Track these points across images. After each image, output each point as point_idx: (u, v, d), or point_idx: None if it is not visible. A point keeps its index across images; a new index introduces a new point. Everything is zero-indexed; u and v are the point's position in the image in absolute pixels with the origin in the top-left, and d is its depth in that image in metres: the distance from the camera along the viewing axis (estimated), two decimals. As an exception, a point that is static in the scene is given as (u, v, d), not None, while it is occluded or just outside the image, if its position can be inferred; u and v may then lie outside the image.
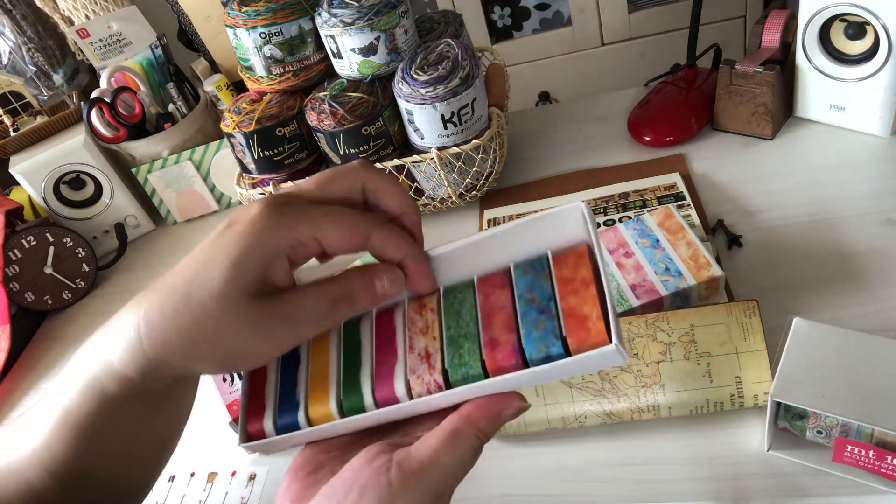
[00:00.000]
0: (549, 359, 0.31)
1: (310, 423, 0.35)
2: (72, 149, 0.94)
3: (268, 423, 0.35)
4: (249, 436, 0.36)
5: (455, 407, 0.33)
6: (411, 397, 0.34)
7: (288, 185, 0.26)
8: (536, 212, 0.77)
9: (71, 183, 0.97)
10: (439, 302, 0.36)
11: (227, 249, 0.31)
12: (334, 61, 0.77)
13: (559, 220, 0.34)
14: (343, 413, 0.34)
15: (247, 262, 0.30)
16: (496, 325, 0.33)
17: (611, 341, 0.30)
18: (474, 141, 0.74)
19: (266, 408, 0.36)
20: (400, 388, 0.34)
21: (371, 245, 0.33)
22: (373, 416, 0.34)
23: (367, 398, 0.34)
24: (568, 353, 0.31)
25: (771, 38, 0.75)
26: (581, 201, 0.34)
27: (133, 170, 0.98)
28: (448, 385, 0.33)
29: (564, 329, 0.31)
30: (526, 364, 0.32)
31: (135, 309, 0.32)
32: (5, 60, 1.02)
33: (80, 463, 0.35)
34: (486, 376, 0.32)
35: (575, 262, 0.33)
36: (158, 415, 0.37)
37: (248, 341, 0.31)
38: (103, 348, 0.33)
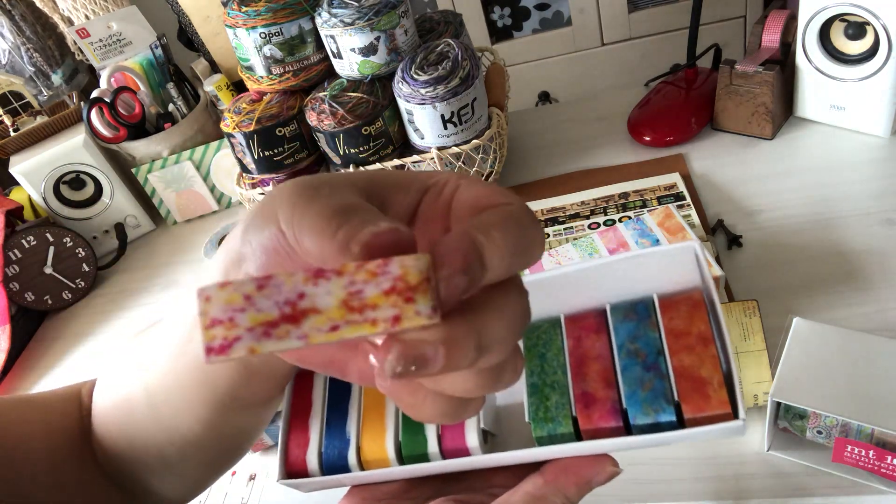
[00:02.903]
0: (656, 427, 0.27)
1: (361, 464, 0.31)
2: (72, 149, 0.94)
3: (312, 459, 0.31)
4: (290, 471, 0.31)
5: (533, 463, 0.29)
6: (484, 450, 0.29)
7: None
8: (537, 212, 0.78)
9: (71, 183, 0.97)
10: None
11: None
12: (334, 61, 0.77)
13: (666, 260, 0.30)
14: (402, 458, 0.30)
15: (237, 243, 0.24)
16: (590, 376, 0.29)
17: (736, 416, 0.26)
18: (474, 141, 0.74)
19: (310, 441, 0.31)
20: (472, 439, 0.29)
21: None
22: (438, 466, 0.30)
23: (432, 446, 0.30)
24: (680, 421, 0.27)
25: (771, 38, 0.75)
26: (694, 241, 0.29)
27: (133, 170, 0.98)
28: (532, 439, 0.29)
29: (677, 393, 0.27)
30: (627, 427, 0.27)
31: None
32: (4, 60, 1.02)
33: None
34: (577, 435, 0.28)
35: (689, 313, 0.28)
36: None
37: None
38: None
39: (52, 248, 0.91)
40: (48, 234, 0.91)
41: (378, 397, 0.32)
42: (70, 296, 0.94)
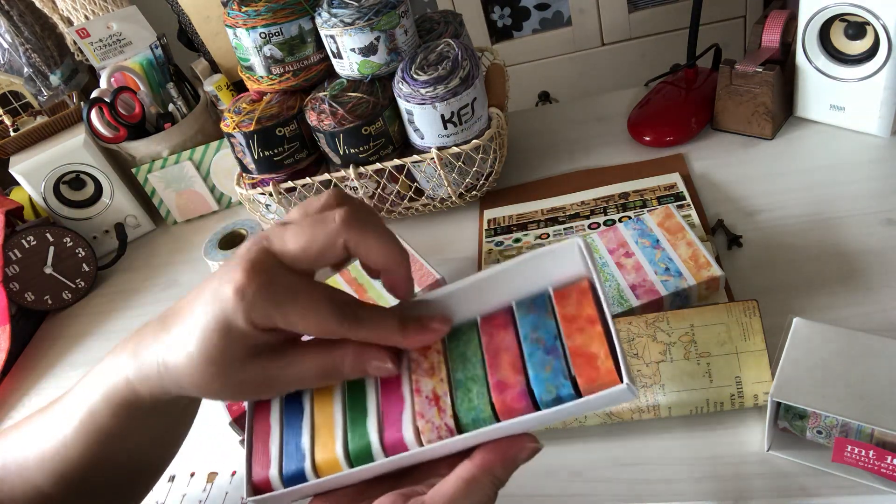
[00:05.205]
0: (559, 400, 0.31)
1: (317, 472, 0.34)
2: (72, 149, 0.94)
3: (273, 475, 0.35)
4: (255, 488, 0.35)
5: (466, 451, 0.33)
6: (421, 444, 0.33)
7: (271, 229, 0.27)
8: (537, 212, 0.78)
9: (71, 183, 0.97)
10: (444, 342, 0.35)
11: (208, 317, 0.31)
12: (334, 61, 0.77)
13: (557, 257, 0.34)
14: (350, 461, 0.34)
15: (220, 339, 0.31)
16: (503, 366, 0.33)
17: (621, 380, 0.30)
18: (474, 141, 0.74)
19: (271, 459, 0.35)
20: (409, 435, 0.33)
21: (350, 337, 0.33)
22: (382, 464, 0.34)
23: (376, 445, 0.34)
24: (578, 393, 0.31)
25: (771, 38, 0.75)
26: (578, 237, 0.34)
27: (133, 170, 0.98)
28: (459, 429, 0.33)
29: (573, 369, 0.31)
30: (536, 405, 0.32)
31: (151, 342, 0.34)
32: (3, 60, 1.02)
33: (93, 465, 0.37)
34: (497, 419, 0.32)
35: (578, 299, 0.33)
36: (172, 423, 0.39)
37: (245, 392, 0.33)
38: (121, 367, 0.35)
39: (52, 248, 0.91)
40: (48, 234, 0.91)
41: (326, 414, 0.36)
42: (70, 296, 0.93)
